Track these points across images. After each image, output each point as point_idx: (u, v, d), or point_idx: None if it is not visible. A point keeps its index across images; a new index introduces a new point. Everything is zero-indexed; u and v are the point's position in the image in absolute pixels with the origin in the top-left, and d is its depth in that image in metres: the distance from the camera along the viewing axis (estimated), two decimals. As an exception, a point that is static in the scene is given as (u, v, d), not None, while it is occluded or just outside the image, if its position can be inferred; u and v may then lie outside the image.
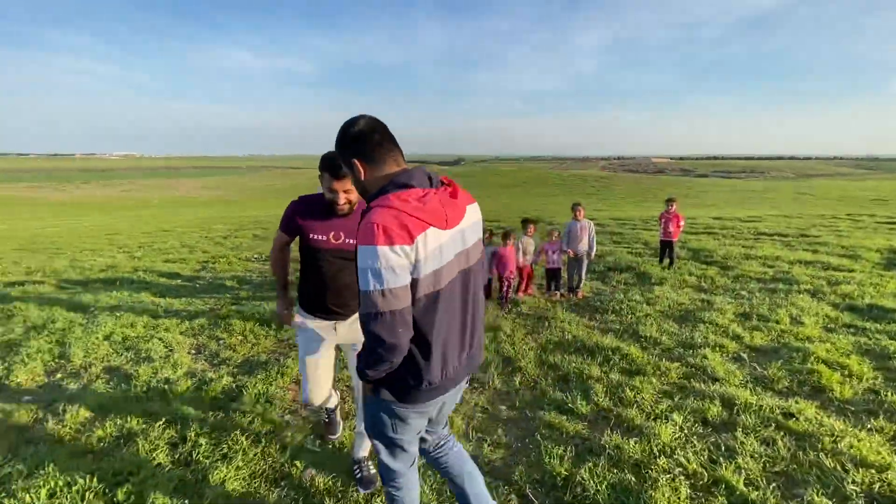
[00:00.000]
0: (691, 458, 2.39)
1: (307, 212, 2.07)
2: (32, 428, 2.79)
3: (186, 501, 2.15)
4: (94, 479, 2.26)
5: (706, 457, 2.41)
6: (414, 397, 1.43)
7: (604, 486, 2.18)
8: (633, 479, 2.24)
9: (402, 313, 1.27)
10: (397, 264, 1.24)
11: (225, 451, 2.53)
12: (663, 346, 3.88)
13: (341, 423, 2.74)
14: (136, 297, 5.87)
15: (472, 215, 1.50)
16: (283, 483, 2.31)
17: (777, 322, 4.32)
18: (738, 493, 2.15)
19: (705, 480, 2.23)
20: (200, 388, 3.27)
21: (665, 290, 5.45)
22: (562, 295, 5.52)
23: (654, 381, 3.22)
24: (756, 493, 2.14)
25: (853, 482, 2.19)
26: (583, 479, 2.23)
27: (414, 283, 1.30)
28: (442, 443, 1.78)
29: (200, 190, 50.87)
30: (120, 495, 2.16)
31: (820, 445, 2.48)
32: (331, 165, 1.87)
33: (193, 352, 4.03)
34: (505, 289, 5.14)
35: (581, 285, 5.55)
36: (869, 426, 2.66)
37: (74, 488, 2.18)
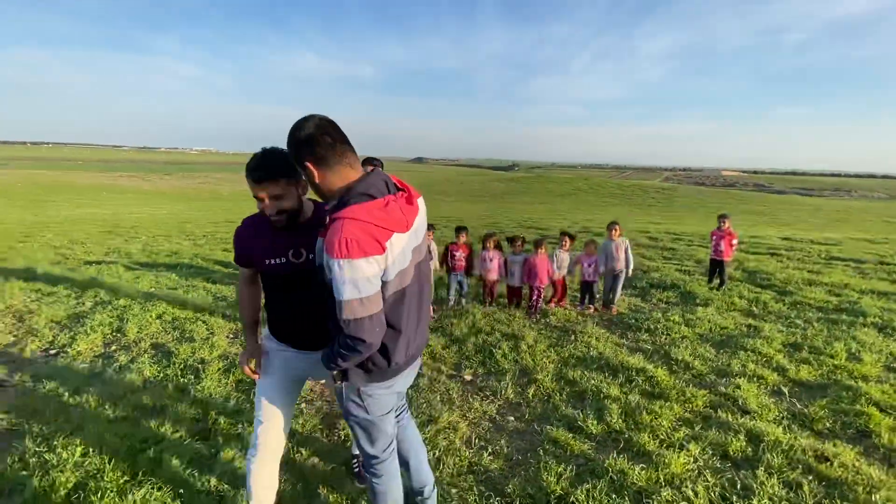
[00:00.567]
0: (700, 492, 2.24)
1: (254, 234, 1.73)
2: (81, 393, 3.12)
3: (197, 472, 2.33)
4: (123, 444, 2.50)
5: (717, 493, 2.26)
6: (381, 377, 1.58)
7: (597, 510, 2.11)
8: (632, 506, 2.14)
9: (379, 315, 1.41)
10: (372, 273, 1.36)
11: (239, 431, 2.71)
12: (694, 372, 3.66)
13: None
14: (192, 281, 6.37)
15: (421, 213, 1.62)
16: (285, 468, 2.43)
17: (831, 356, 3.93)
18: (746, 535, 2.00)
19: (711, 518, 2.09)
20: (229, 370, 3.50)
21: (708, 312, 5.12)
22: (595, 309, 5.34)
23: (675, 407, 3.05)
24: (767, 538, 1.99)
25: (885, 541, 1.97)
26: (577, 500, 2.16)
27: (384, 285, 1.42)
28: (398, 412, 1.91)
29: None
30: (141, 460, 2.37)
31: (852, 495, 2.24)
32: (249, 168, 1.57)
33: (231, 336, 4.32)
34: (535, 298, 5.06)
35: (616, 301, 5.35)
36: (918, 481, 2.37)
37: (105, 450, 2.43)
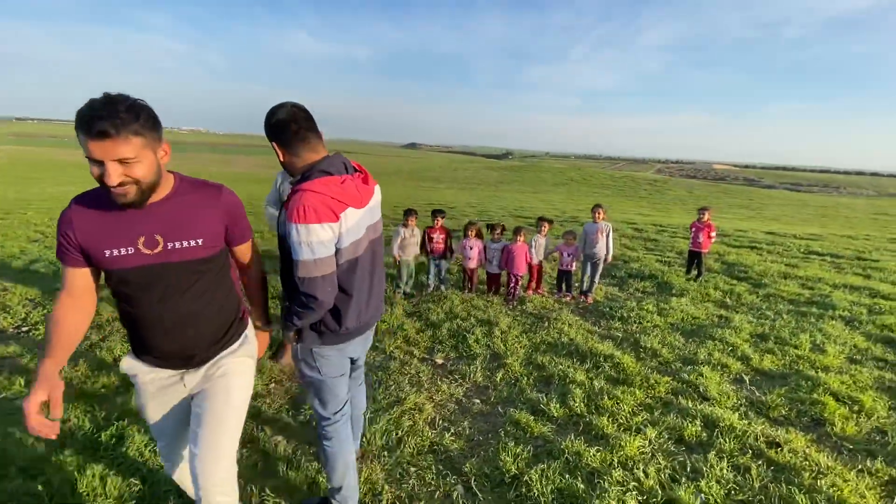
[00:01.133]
0: (651, 473, 2.31)
1: (90, 217, 1.29)
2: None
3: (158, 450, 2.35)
4: (86, 420, 2.51)
5: (667, 475, 2.33)
6: (334, 339, 1.73)
7: (549, 490, 2.17)
8: (583, 486, 2.20)
9: (331, 277, 1.57)
10: (326, 238, 1.52)
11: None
12: (661, 359, 3.73)
13: None
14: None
15: (376, 196, 1.80)
16: (248, 446, 2.47)
17: (795, 347, 4.03)
18: (689, 515, 2.07)
19: (658, 498, 2.16)
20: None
21: (682, 303, 5.20)
22: (572, 297, 5.40)
23: (638, 392, 3.12)
24: (710, 518, 2.06)
25: (822, 522, 2.05)
26: (531, 479, 2.22)
27: (337, 252, 1.59)
28: (357, 376, 2.12)
29: (253, 167, 53.40)
30: (104, 436, 2.39)
31: (797, 480, 2.32)
32: (84, 118, 1.12)
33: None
34: (512, 285, 5.10)
35: (593, 289, 5.40)
36: (861, 467, 2.46)
37: (66, 425, 2.44)
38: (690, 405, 2.99)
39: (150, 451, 2.32)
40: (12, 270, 5.37)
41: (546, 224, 5.37)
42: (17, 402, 2.75)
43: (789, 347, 4.02)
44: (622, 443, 2.53)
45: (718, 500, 2.17)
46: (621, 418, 2.82)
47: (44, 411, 1.18)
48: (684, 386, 3.28)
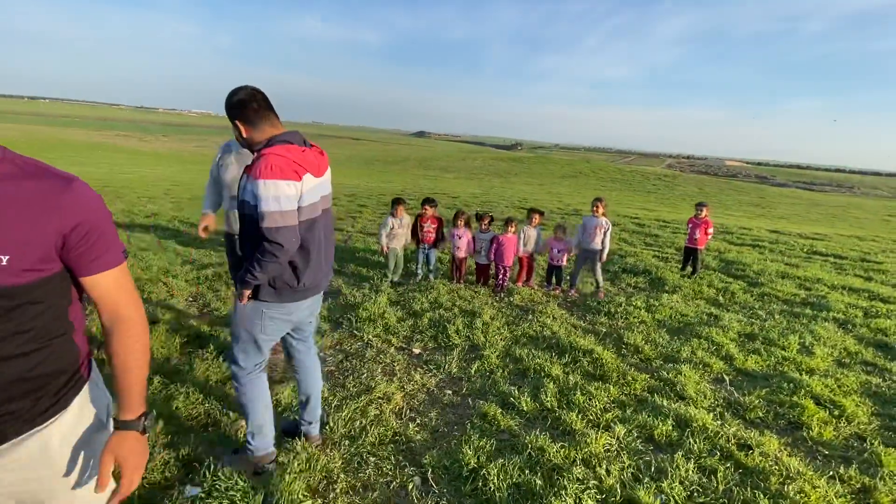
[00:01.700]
0: (613, 472, 2.27)
1: None
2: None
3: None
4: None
5: (630, 474, 2.28)
6: (290, 296, 1.87)
7: (506, 485, 2.13)
8: (541, 483, 2.16)
9: (294, 229, 1.74)
10: (291, 194, 1.70)
11: (172, 392, 2.71)
12: (642, 356, 3.67)
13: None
14: (165, 242, 6.34)
15: (328, 173, 1.97)
16: (210, 428, 2.45)
17: (783, 348, 3.94)
18: (647, 515, 2.02)
19: (617, 497, 2.11)
20: (177, 331, 3.50)
21: (673, 300, 5.11)
22: (562, 290, 5.33)
23: (612, 389, 3.07)
24: (667, 519, 2.01)
25: (783, 528, 2.00)
26: (489, 473, 2.18)
27: (299, 209, 1.76)
28: (309, 346, 2.26)
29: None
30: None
31: (764, 485, 2.27)
32: None
33: (190, 299, 4.31)
34: (501, 276, 5.04)
35: (601, 285, 5.29)
36: (833, 474, 2.39)
37: None
38: (665, 403, 2.93)
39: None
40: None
41: (536, 215, 5.28)
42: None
43: (776, 348, 3.93)
44: (588, 440, 2.49)
45: (679, 502, 2.12)
46: (591, 415, 2.78)
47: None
48: (661, 384, 3.22)
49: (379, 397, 2.85)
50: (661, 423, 2.68)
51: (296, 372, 2.28)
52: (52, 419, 1.00)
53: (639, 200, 25.30)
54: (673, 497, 2.14)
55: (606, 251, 5.24)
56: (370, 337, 3.71)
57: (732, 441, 2.59)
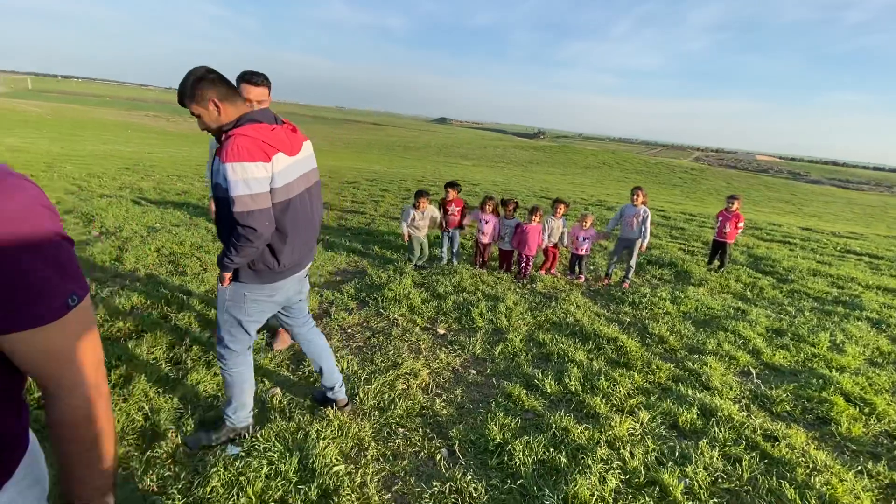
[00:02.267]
0: (637, 455, 2.29)
1: None
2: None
3: (161, 389, 2.47)
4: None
5: (654, 458, 2.30)
6: (270, 277, 1.86)
7: (531, 461, 2.18)
8: (566, 461, 2.21)
9: (267, 212, 1.69)
10: (261, 176, 1.65)
11: (210, 359, 2.84)
12: (667, 346, 3.66)
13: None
14: (195, 220, 6.53)
15: (307, 150, 1.95)
16: (246, 395, 2.56)
17: (812, 345, 3.87)
18: (670, 498, 2.05)
19: (641, 479, 2.15)
20: (213, 303, 3.63)
21: (699, 292, 5.05)
22: (585, 279, 5.32)
23: (636, 376, 3.08)
24: (691, 503, 2.04)
25: (809, 518, 2.01)
26: (514, 449, 2.24)
27: (272, 191, 1.71)
28: (303, 322, 2.28)
29: (287, 135, 53.76)
30: (113, 376, 2.53)
31: (790, 475, 2.26)
32: None
33: (222, 274, 4.45)
34: (523, 265, 5.05)
35: (630, 274, 5.26)
36: (861, 469, 2.37)
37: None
38: (690, 393, 2.93)
39: (154, 391, 2.45)
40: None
41: (562, 206, 5.25)
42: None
43: (805, 345, 3.86)
44: (612, 423, 2.52)
45: (703, 487, 2.14)
46: (615, 400, 2.80)
47: None
48: (686, 374, 3.22)
49: (406, 373, 2.93)
50: (685, 411, 2.69)
51: (302, 347, 2.34)
52: None
53: (664, 193, 24.78)
54: (697, 481, 2.15)
55: (647, 241, 5.18)
56: (395, 316, 3.79)
57: (759, 432, 2.58)
